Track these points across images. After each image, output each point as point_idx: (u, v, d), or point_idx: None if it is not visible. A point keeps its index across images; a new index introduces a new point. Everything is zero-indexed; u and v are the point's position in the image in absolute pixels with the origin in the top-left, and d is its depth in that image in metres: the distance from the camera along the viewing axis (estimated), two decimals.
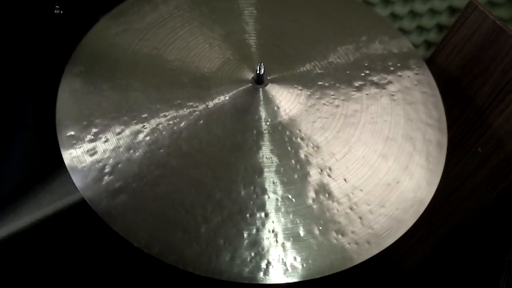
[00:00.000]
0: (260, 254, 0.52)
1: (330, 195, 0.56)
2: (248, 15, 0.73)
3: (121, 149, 0.57)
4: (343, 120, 0.62)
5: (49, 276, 0.84)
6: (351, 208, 0.55)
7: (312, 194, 0.56)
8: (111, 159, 0.57)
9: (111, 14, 0.71)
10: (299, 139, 0.60)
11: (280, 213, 0.54)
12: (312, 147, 0.59)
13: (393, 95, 0.65)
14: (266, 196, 0.55)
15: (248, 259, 0.51)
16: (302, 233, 0.53)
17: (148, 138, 0.58)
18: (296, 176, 0.57)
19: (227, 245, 0.52)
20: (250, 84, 0.64)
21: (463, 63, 0.76)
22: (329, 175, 0.57)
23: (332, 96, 0.64)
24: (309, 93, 0.64)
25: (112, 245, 0.81)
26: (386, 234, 0.54)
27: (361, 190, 0.57)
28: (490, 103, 0.73)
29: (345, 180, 0.57)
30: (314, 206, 0.55)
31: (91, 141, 0.58)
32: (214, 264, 0.51)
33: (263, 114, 0.62)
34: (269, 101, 0.63)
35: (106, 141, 0.58)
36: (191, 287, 0.93)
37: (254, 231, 0.53)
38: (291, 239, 0.53)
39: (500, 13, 0.92)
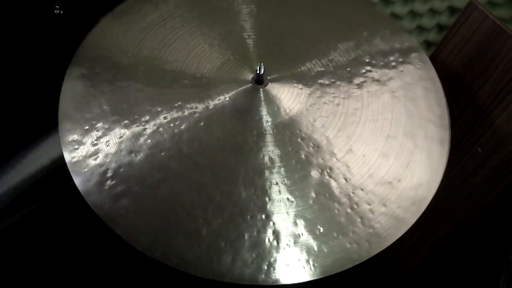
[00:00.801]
0: (261, 255, 0.52)
1: (331, 195, 0.56)
2: (247, 14, 0.72)
3: (122, 153, 0.57)
4: (344, 118, 0.62)
5: (52, 280, 0.84)
6: (351, 208, 0.55)
7: (312, 194, 0.56)
8: (113, 163, 0.57)
9: (112, 14, 0.71)
10: (299, 139, 0.60)
11: (281, 215, 0.54)
12: (313, 147, 0.59)
13: (394, 92, 0.65)
14: (267, 198, 0.55)
15: (250, 261, 0.51)
16: (303, 234, 0.53)
17: (149, 141, 0.58)
18: (296, 176, 0.57)
19: (228, 247, 0.52)
20: (250, 84, 0.63)
21: (463, 63, 0.76)
22: (329, 175, 0.57)
23: (333, 95, 0.64)
24: (309, 92, 0.64)
25: (114, 248, 0.81)
26: (387, 233, 0.54)
27: (361, 189, 0.57)
28: (490, 103, 0.72)
29: (345, 179, 0.57)
30: (315, 207, 0.55)
31: (93, 145, 0.58)
32: (215, 266, 0.51)
33: (263, 114, 0.62)
34: (269, 101, 0.63)
35: (108, 145, 0.58)
36: None
37: (255, 232, 0.53)
38: (292, 240, 0.53)
39: (500, 13, 0.92)
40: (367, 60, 0.68)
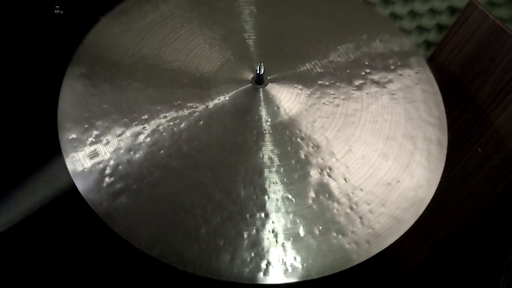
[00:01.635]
0: (260, 254, 0.52)
1: (330, 195, 0.56)
2: (248, 14, 0.73)
3: (121, 151, 0.57)
4: (343, 119, 0.62)
5: (50, 278, 0.84)
6: (351, 208, 0.55)
7: (312, 194, 0.56)
8: (112, 161, 0.57)
9: (112, 13, 0.71)
10: (299, 139, 0.60)
11: (280, 214, 0.54)
12: (312, 147, 0.59)
13: (393, 94, 0.65)
14: (266, 197, 0.55)
15: (248, 260, 0.51)
16: (302, 233, 0.53)
17: (148, 139, 0.58)
18: (296, 176, 0.57)
19: (227, 245, 0.52)
20: (250, 84, 0.64)
21: (463, 63, 0.76)
22: (329, 175, 0.57)
23: (332, 95, 0.64)
24: (309, 92, 0.64)
25: (112, 246, 0.81)
26: (386, 233, 0.54)
27: (361, 189, 0.57)
28: (490, 103, 0.72)
29: (345, 179, 0.57)
30: (314, 206, 0.55)
31: (92, 143, 0.58)
32: (214, 264, 0.51)
33: (263, 114, 0.62)
34: (269, 101, 0.63)
35: (107, 143, 0.58)
36: None
37: (254, 231, 0.53)
38: (291, 239, 0.53)
39: (500, 13, 0.92)
40: (367, 63, 0.68)
